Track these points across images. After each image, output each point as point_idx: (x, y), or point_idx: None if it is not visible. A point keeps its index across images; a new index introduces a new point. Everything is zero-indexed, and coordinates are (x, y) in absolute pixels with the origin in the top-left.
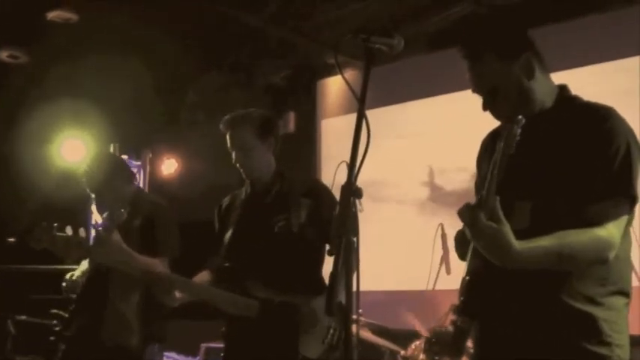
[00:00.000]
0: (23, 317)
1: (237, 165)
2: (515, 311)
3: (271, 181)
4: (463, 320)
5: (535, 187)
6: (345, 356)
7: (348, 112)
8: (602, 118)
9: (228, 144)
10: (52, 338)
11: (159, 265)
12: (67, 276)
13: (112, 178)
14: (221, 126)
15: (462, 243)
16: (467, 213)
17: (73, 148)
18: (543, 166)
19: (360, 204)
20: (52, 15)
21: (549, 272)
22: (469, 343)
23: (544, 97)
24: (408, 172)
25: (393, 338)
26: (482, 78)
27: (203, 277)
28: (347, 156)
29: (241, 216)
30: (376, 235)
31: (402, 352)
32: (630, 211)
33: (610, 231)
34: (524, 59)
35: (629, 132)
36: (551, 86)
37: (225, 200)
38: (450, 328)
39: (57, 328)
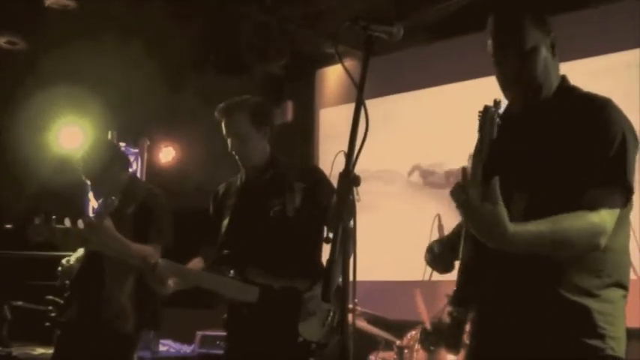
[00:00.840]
0: (20, 303)
1: (233, 152)
2: (509, 303)
3: (265, 167)
4: (459, 311)
5: (533, 177)
6: (341, 343)
7: (346, 101)
8: (599, 108)
9: (224, 131)
10: (47, 324)
11: (152, 251)
12: (63, 262)
13: (108, 165)
14: (216, 113)
15: (437, 258)
16: (459, 192)
17: (70, 135)
18: (542, 156)
19: (358, 193)
20: (50, 1)
21: (543, 263)
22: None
23: (553, 82)
24: (406, 162)
25: (389, 328)
26: (518, 42)
27: (196, 264)
28: (345, 146)
29: (237, 203)
30: (372, 225)
31: (398, 342)
32: (625, 202)
33: (603, 217)
34: (553, 37)
35: (626, 123)
36: (558, 73)
37: (221, 188)
38: (447, 319)
39: (52, 315)
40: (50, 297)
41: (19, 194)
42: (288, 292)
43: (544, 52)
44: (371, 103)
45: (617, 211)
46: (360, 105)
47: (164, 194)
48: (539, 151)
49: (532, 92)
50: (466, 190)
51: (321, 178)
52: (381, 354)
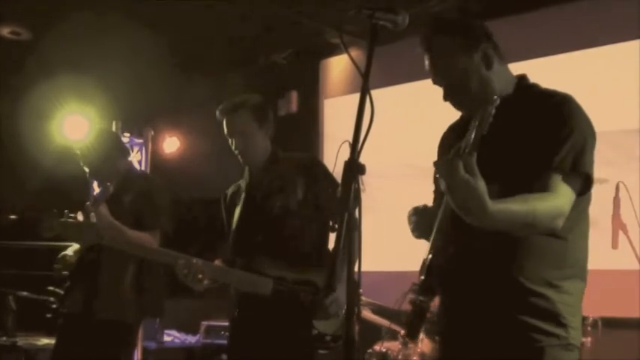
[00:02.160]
0: (24, 294)
1: (237, 151)
2: (472, 293)
3: (267, 164)
4: (422, 299)
5: (500, 170)
6: (346, 333)
7: (351, 91)
8: (559, 102)
9: (226, 131)
10: (48, 315)
11: (150, 239)
12: (62, 253)
13: (106, 153)
14: (217, 113)
15: (420, 219)
16: (445, 164)
17: (74, 125)
18: (506, 150)
19: (363, 182)
20: None
21: (507, 254)
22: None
23: (503, 86)
24: (411, 152)
25: (394, 318)
26: (444, 69)
27: (217, 263)
28: (350, 136)
29: (244, 202)
30: (378, 216)
31: (402, 332)
32: (584, 190)
33: (562, 200)
34: (483, 50)
35: (585, 118)
36: (509, 76)
37: (229, 190)
38: (409, 307)
39: (53, 305)
40: (51, 287)
41: (23, 184)
42: (302, 284)
43: (474, 72)
44: (377, 93)
45: (574, 197)
46: (365, 94)
47: (163, 182)
48: (503, 147)
49: (477, 105)
50: (453, 161)
51: (320, 168)
52: (386, 344)
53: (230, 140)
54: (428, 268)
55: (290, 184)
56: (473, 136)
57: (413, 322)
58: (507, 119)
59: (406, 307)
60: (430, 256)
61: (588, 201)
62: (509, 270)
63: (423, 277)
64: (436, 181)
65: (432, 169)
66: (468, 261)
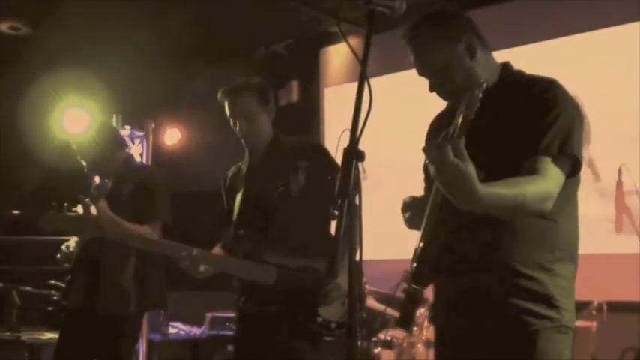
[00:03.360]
0: (28, 288)
1: (240, 134)
2: (466, 277)
3: (269, 148)
4: (415, 288)
5: (487, 157)
6: (349, 320)
7: (350, 80)
8: (544, 87)
9: (228, 113)
10: (49, 308)
11: (149, 231)
12: (62, 247)
13: (104, 147)
14: (220, 95)
15: (412, 212)
16: (434, 149)
17: (75, 119)
18: (493, 136)
19: (364, 170)
20: None
21: (499, 239)
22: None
23: (487, 75)
24: (411, 140)
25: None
26: (429, 62)
27: (218, 250)
28: (350, 124)
29: (245, 186)
30: (381, 203)
31: (395, 321)
32: (572, 173)
33: (551, 183)
34: (466, 40)
35: (572, 101)
36: (493, 64)
37: (230, 172)
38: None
39: (55, 298)
40: (53, 281)
41: (24, 179)
42: (305, 271)
43: (459, 63)
44: (376, 80)
45: (563, 179)
46: (363, 80)
47: (163, 174)
48: (490, 133)
49: (467, 90)
50: (443, 146)
51: (322, 154)
52: (391, 332)
53: (232, 122)
54: (420, 255)
55: (292, 169)
56: (460, 120)
57: (406, 311)
58: (493, 106)
59: (400, 295)
60: (421, 244)
61: (577, 183)
62: (501, 254)
63: (415, 265)
64: (426, 169)
65: None
66: (459, 247)
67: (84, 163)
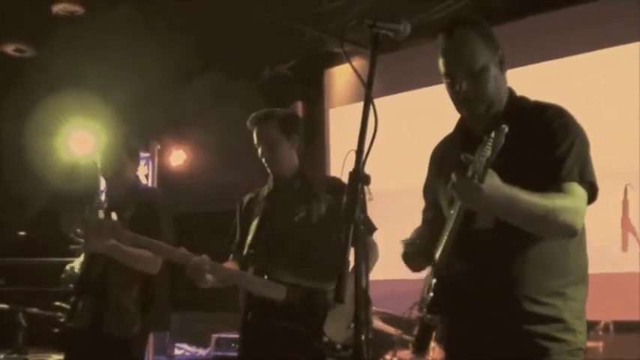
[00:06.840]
0: (34, 310)
1: (263, 160)
2: (481, 307)
3: (294, 177)
4: (430, 318)
5: None
6: (355, 342)
7: (355, 100)
8: (554, 115)
9: (255, 140)
10: (55, 330)
11: (150, 255)
12: (67, 268)
13: (125, 161)
14: (248, 123)
15: (414, 254)
16: (465, 189)
17: (80, 141)
18: (509, 169)
19: (370, 192)
20: (57, 8)
21: (514, 267)
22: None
23: (503, 96)
24: (415, 160)
25: (405, 327)
26: (469, 58)
27: (230, 266)
28: (355, 145)
29: (265, 208)
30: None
31: (411, 348)
32: (591, 200)
33: (579, 201)
34: (501, 53)
35: (581, 129)
36: (506, 86)
37: (246, 197)
38: (417, 324)
39: (62, 320)
40: (57, 303)
41: (30, 201)
42: (314, 291)
43: (493, 70)
44: (380, 101)
45: (586, 200)
46: (368, 103)
47: (165, 196)
48: (505, 165)
49: (484, 108)
50: (471, 186)
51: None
52: (398, 353)
53: (258, 149)
54: (436, 286)
55: (315, 199)
56: (483, 164)
57: (422, 340)
58: (507, 137)
59: (415, 315)
60: (436, 274)
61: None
62: (516, 283)
63: (431, 295)
64: (426, 196)
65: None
66: (474, 277)
67: (104, 178)
